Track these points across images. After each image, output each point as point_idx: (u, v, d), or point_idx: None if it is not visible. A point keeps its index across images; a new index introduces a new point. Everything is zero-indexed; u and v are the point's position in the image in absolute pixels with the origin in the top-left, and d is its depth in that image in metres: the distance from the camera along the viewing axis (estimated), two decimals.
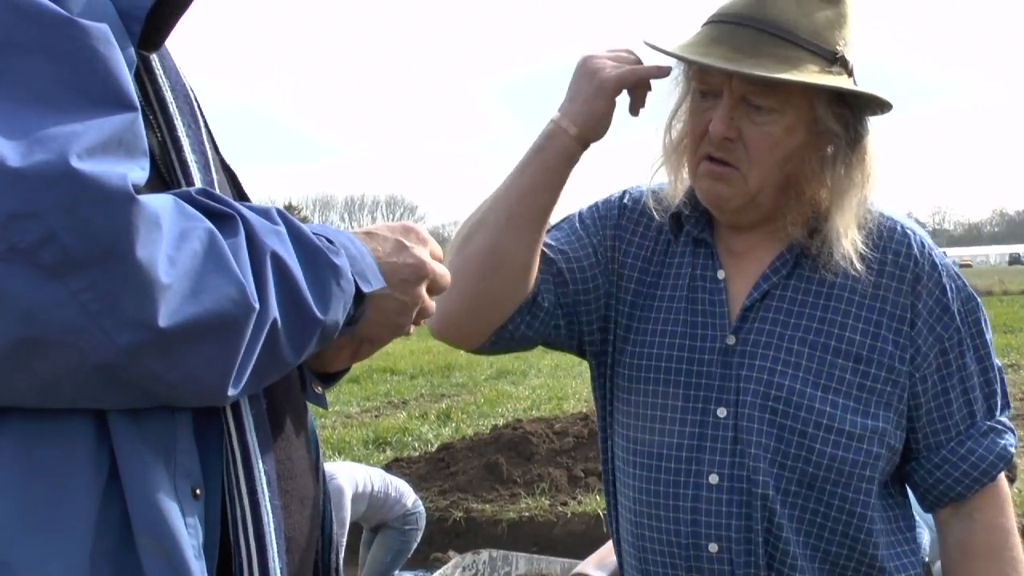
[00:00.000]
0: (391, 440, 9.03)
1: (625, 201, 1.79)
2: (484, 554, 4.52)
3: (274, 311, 0.94)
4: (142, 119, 0.92)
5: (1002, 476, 1.65)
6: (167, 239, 0.85)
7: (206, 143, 1.09)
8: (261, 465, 1.02)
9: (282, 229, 0.99)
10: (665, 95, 1.67)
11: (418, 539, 5.16)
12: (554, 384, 12.37)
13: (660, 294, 1.70)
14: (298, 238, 1.01)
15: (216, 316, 0.88)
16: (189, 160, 1.04)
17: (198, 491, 0.96)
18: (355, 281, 1.06)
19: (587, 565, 1.90)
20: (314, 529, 1.19)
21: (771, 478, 1.57)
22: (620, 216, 1.78)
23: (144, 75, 1.03)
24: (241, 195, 1.24)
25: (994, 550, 1.61)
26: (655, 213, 1.72)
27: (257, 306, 0.91)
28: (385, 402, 11.96)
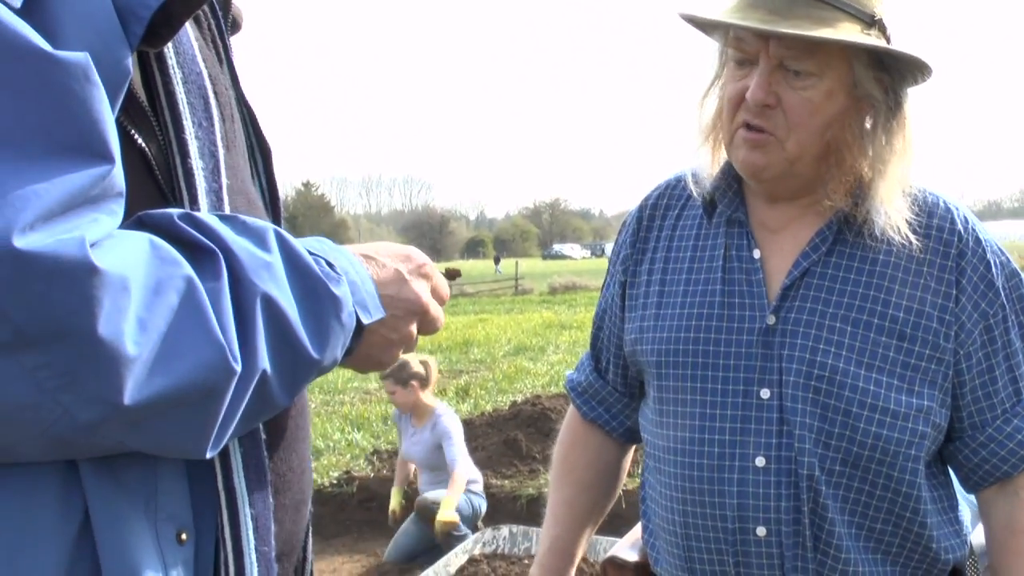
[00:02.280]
0: None
1: (643, 208, 1.80)
2: (504, 529, 4.53)
3: (262, 364, 0.87)
4: (142, 121, 0.88)
5: None
6: (137, 299, 0.77)
7: (219, 143, 1.00)
8: (248, 510, 0.96)
9: (276, 260, 0.91)
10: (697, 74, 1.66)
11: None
12: (572, 360, 12.32)
13: (693, 277, 1.67)
14: (295, 267, 0.93)
15: (190, 385, 0.80)
16: (194, 167, 0.95)
17: (184, 535, 0.90)
18: (355, 312, 0.98)
19: (621, 547, 1.87)
20: (300, 527, 1.14)
21: (816, 459, 1.54)
22: (639, 227, 1.79)
23: (154, 67, 0.95)
24: (270, 178, 1.18)
25: None
26: (694, 193, 1.70)
27: (239, 368, 0.84)
28: None
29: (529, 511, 6.10)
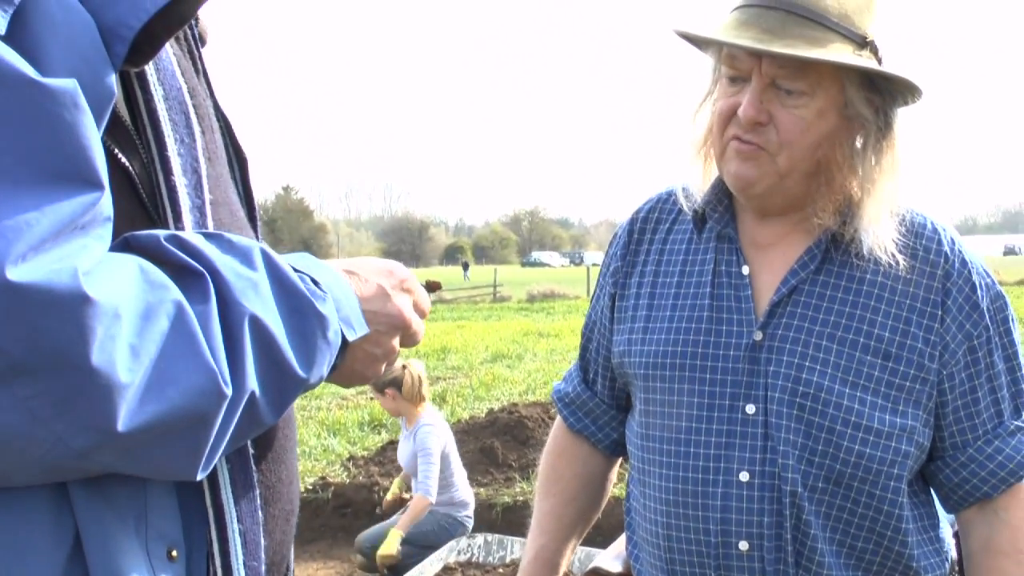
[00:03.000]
0: (386, 422, 8.99)
1: (634, 221, 1.80)
2: (479, 538, 4.52)
3: (251, 386, 0.87)
4: (125, 140, 0.87)
5: None
6: (129, 326, 0.77)
7: (201, 158, 0.99)
8: (236, 526, 0.96)
9: (262, 279, 0.91)
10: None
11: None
12: (549, 368, 12.36)
13: (682, 291, 1.67)
14: (281, 285, 0.93)
15: (182, 411, 0.81)
16: (178, 184, 0.95)
17: (175, 552, 0.90)
18: (340, 329, 0.98)
19: (604, 558, 1.88)
20: (290, 537, 1.14)
21: (799, 475, 1.54)
22: (630, 241, 1.79)
23: (135, 85, 0.95)
24: (247, 186, 1.18)
25: (1019, 549, 1.59)
26: (684, 207, 1.71)
27: (230, 392, 0.84)
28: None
29: (504, 519, 6.11)
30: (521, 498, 6.34)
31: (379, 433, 8.65)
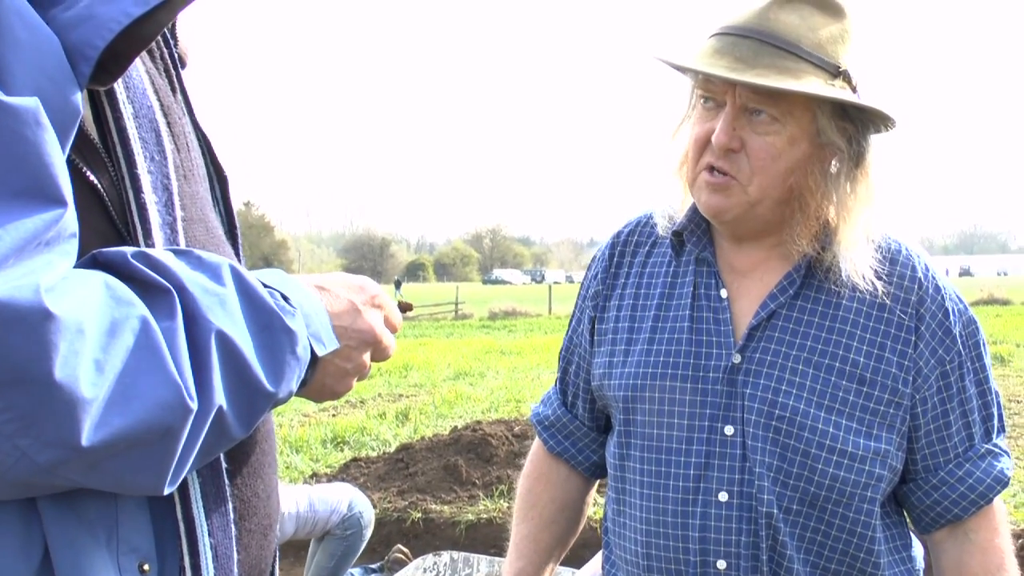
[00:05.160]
0: (349, 439, 8.94)
1: (614, 244, 1.82)
2: (445, 555, 4.49)
3: (218, 400, 0.87)
4: (93, 158, 0.87)
5: (998, 498, 1.64)
6: (93, 341, 0.77)
7: (172, 176, 0.99)
8: (207, 539, 0.96)
9: (230, 293, 0.91)
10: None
11: (365, 538, 5.08)
12: (512, 386, 12.34)
13: (662, 314, 1.68)
14: (250, 301, 0.93)
15: (147, 425, 0.80)
16: (147, 201, 0.95)
17: (146, 566, 0.90)
18: (310, 344, 0.98)
19: None
20: (269, 551, 1.14)
21: (775, 496, 1.55)
22: (610, 263, 1.80)
23: (104, 103, 0.94)
24: (227, 203, 1.18)
25: (990, 571, 1.61)
26: (662, 230, 1.72)
27: (195, 406, 0.84)
28: (342, 401, 11.84)
29: (468, 537, 6.08)
30: (485, 516, 6.32)
31: (342, 450, 8.58)
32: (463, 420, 9.36)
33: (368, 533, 5.07)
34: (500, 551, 5.55)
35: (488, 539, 6.05)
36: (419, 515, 6.39)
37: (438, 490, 6.78)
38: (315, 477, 7.43)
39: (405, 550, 5.54)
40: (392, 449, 8.09)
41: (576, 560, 4.49)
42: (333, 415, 10.46)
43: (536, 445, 1.96)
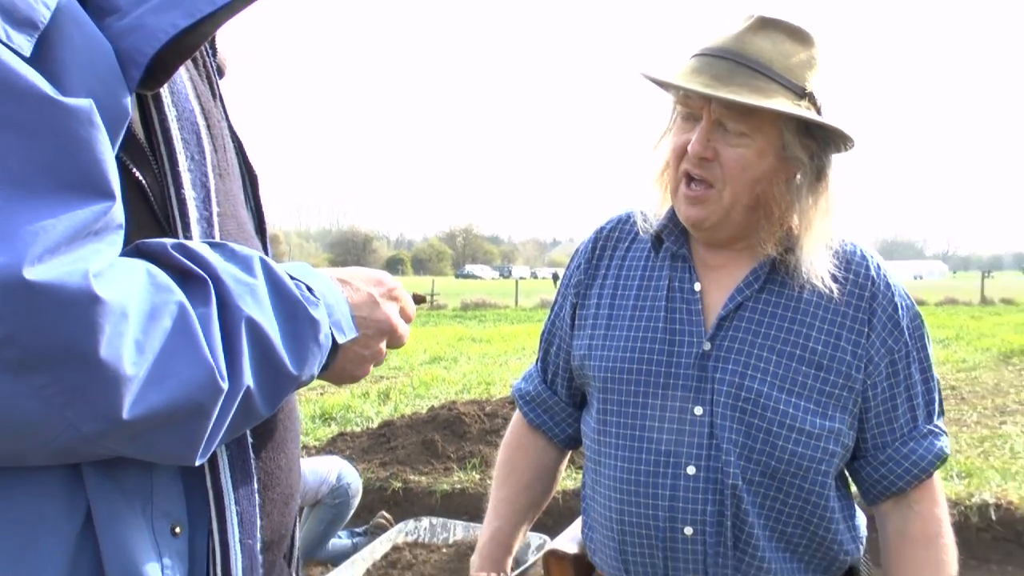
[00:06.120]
0: (336, 416, 8.91)
1: (597, 238, 1.82)
2: (424, 521, 4.50)
3: (246, 381, 0.88)
4: (139, 157, 0.87)
5: (937, 473, 1.67)
6: (135, 323, 0.78)
7: (209, 174, 0.99)
8: (234, 507, 0.96)
9: (260, 284, 0.91)
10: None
11: (353, 506, 5.06)
12: (483, 370, 12.33)
13: (640, 304, 1.69)
14: (278, 291, 0.93)
15: (182, 402, 0.81)
16: (187, 197, 0.95)
17: (178, 529, 0.90)
18: (332, 333, 0.99)
19: (561, 540, 1.88)
20: (290, 518, 1.14)
21: (739, 470, 1.56)
22: (592, 255, 1.80)
23: (151, 106, 0.95)
24: (257, 200, 1.17)
25: (929, 537, 1.63)
26: (642, 230, 1.73)
27: (226, 386, 0.85)
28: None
29: (444, 505, 6.07)
30: (459, 486, 6.32)
31: (329, 425, 8.55)
32: (439, 400, 9.35)
33: (356, 502, 5.05)
34: (473, 517, 5.59)
35: (462, 507, 6.05)
36: (399, 485, 6.38)
37: (416, 463, 6.77)
38: (305, 450, 7.40)
39: (388, 516, 5.53)
40: (375, 425, 8.07)
41: (538, 526, 4.54)
42: (321, 393, 10.41)
43: (516, 417, 1.96)
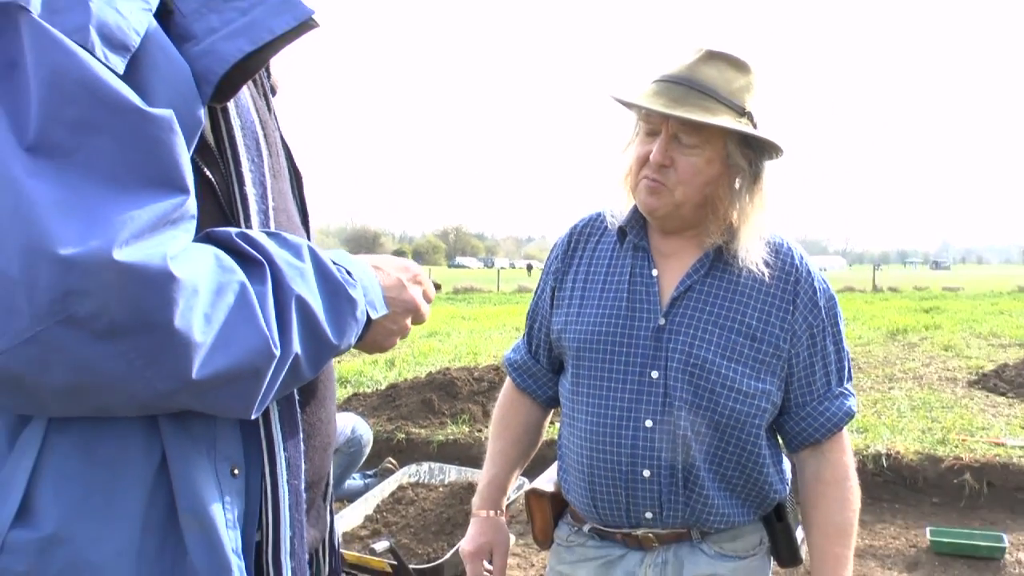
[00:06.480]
0: (350, 379, 8.88)
1: (572, 233, 1.79)
2: (424, 465, 4.48)
3: (295, 349, 0.88)
4: (210, 159, 0.87)
5: (846, 427, 1.67)
6: (204, 298, 0.78)
7: (266, 174, 0.99)
8: (282, 452, 0.96)
9: (308, 267, 0.91)
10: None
11: (365, 454, 5.04)
12: (471, 343, 12.32)
13: (606, 287, 1.68)
14: (323, 274, 0.93)
15: (242, 365, 0.81)
16: (249, 193, 0.95)
17: (236, 471, 0.90)
18: (367, 310, 0.98)
19: (540, 481, 1.87)
20: (328, 463, 1.14)
21: (689, 423, 1.56)
22: (568, 247, 1.78)
23: (220, 117, 0.94)
24: (303, 198, 1.16)
25: (839, 479, 1.64)
26: (610, 224, 1.72)
27: (278, 352, 0.84)
28: None
29: (440, 452, 6.07)
30: (452, 437, 6.31)
31: (345, 387, 8.51)
32: (435, 367, 9.32)
33: (367, 451, 5.04)
34: (464, 463, 5.59)
35: (454, 454, 6.04)
36: (403, 436, 6.37)
37: (417, 418, 6.76)
38: None
39: (393, 461, 5.52)
40: (383, 387, 8.04)
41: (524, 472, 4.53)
42: (338, 361, 10.37)
43: (507, 382, 1.94)
